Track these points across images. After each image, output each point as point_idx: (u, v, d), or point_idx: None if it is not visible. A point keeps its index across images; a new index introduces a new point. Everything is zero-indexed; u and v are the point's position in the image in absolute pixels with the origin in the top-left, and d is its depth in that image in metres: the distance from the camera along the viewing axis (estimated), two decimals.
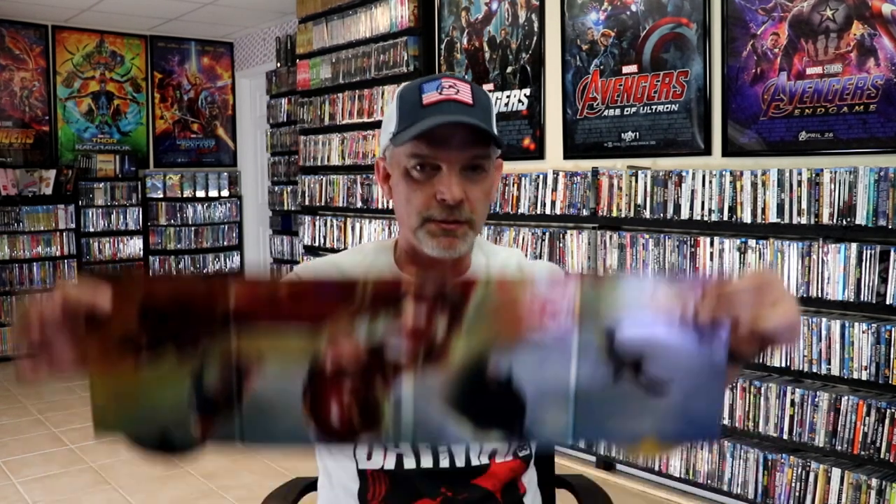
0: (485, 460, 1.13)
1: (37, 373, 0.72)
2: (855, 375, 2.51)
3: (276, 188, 6.12)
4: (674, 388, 0.70)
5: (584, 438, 0.71)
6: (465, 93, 1.06)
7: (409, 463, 1.11)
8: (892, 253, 2.43)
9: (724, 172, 2.84)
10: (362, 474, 1.13)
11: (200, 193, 6.40)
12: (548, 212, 3.46)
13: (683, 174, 2.96)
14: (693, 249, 2.92)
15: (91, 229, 5.91)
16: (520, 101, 3.75)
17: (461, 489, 1.12)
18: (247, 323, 0.68)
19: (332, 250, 4.75)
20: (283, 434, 0.69)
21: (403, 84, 1.35)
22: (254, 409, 0.69)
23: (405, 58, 4.20)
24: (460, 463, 1.11)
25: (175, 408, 0.70)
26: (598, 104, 3.39)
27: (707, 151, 3.02)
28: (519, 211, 3.58)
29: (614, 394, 0.69)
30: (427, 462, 1.11)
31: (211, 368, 0.69)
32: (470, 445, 0.69)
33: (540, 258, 3.40)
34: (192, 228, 6.37)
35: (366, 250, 1.21)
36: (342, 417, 0.68)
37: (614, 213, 3.18)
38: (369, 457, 1.11)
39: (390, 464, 1.11)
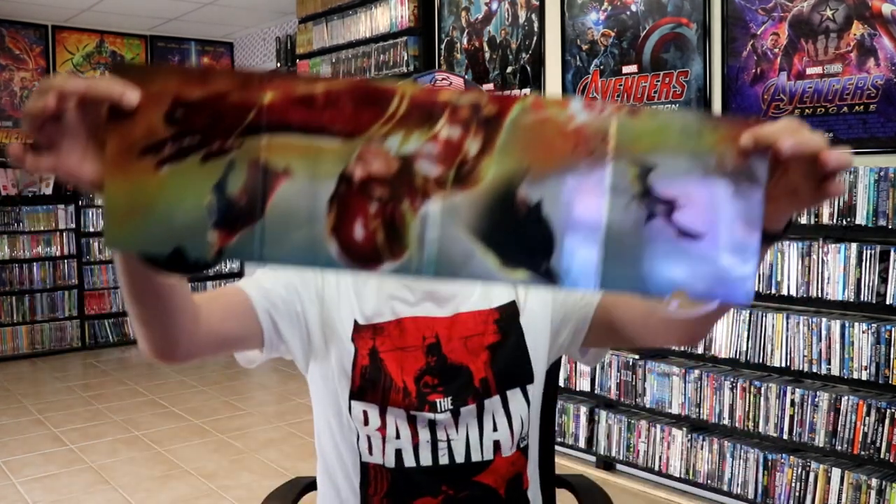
0: (488, 456, 1.13)
1: (37, 164, 0.64)
2: (855, 375, 2.51)
3: None
4: (707, 242, 0.65)
5: (611, 284, 0.65)
6: (457, 85, 1.11)
7: (409, 460, 1.11)
8: (892, 253, 2.43)
9: None
10: (364, 467, 1.13)
11: None
12: None
13: None
14: None
15: (91, 229, 5.91)
16: None
17: (462, 487, 1.12)
18: (279, 126, 0.63)
19: None
20: (304, 250, 0.64)
21: (400, 82, 1.36)
22: (276, 222, 0.63)
23: (405, 58, 4.20)
24: (460, 459, 1.12)
25: (194, 219, 0.63)
26: None
27: None
28: None
29: (645, 236, 0.65)
30: (426, 460, 1.11)
31: (236, 175, 0.63)
32: (494, 280, 0.64)
33: None
34: None
35: None
36: (366, 236, 0.63)
37: None
38: (370, 450, 1.12)
39: (390, 461, 1.11)
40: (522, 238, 0.64)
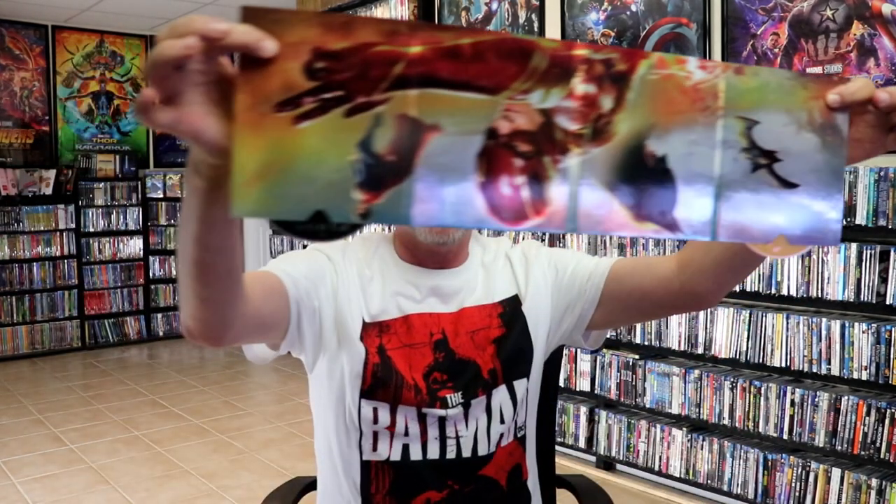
0: (492, 448, 1.14)
1: (159, 117, 0.56)
2: (855, 375, 2.51)
3: None
4: (802, 191, 0.71)
5: (725, 233, 0.69)
6: None
7: (416, 454, 1.11)
8: (891, 253, 2.44)
9: None
10: (365, 466, 1.13)
11: None
12: None
13: None
14: None
15: (91, 229, 5.91)
16: None
17: (468, 481, 1.13)
18: (427, 80, 0.61)
19: None
20: (453, 208, 0.61)
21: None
22: (425, 179, 0.60)
23: None
24: (467, 454, 1.12)
25: (337, 179, 0.59)
26: None
27: None
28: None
29: (752, 186, 0.70)
30: (434, 453, 1.12)
31: (383, 131, 0.60)
32: (627, 233, 0.66)
33: None
34: None
35: (374, 240, 1.22)
36: (513, 192, 0.63)
37: None
38: (375, 447, 1.12)
39: (396, 455, 1.11)
40: (650, 191, 0.67)
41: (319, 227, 0.62)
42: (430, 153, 0.61)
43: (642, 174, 0.67)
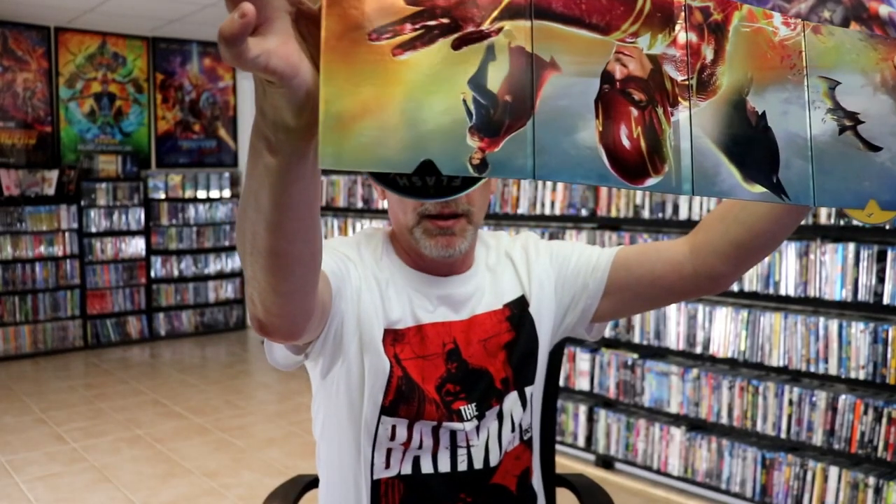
0: (501, 457, 1.11)
1: (244, 47, 0.46)
2: (852, 375, 2.52)
3: None
4: (886, 153, 0.69)
5: (823, 198, 0.65)
6: None
7: (427, 467, 1.07)
8: (889, 253, 2.45)
9: None
10: (375, 485, 1.08)
11: (202, 194, 6.41)
12: (547, 212, 3.47)
13: None
14: None
15: (93, 229, 5.93)
16: None
17: (481, 493, 1.09)
18: (541, 11, 0.53)
19: None
20: (577, 160, 0.53)
21: None
22: (547, 124, 0.52)
23: None
24: (479, 465, 1.08)
25: (448, 122, 0.49)
26: None
27: None
28: (518, 211, 3.59)
29: (841, 148, 0.67)
30: (445, 466, 1.07)
31: (497, 66, 0.51)
32: (738, 196, 0.60)
33: None
34: (194, 228, 6.39)
35: (378, 239, 1.15)
36: (633, 145, 0.56)
37: (613, 214, 3.20)
38: (387, 464, 1.07)
39: (407, 468, 1.07)
40: (756, 150, 0.63)
41: (427, 181, 0.54)
42: (549, 95, 0.53)
43: (747, 131, 0.62)
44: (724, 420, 2.85)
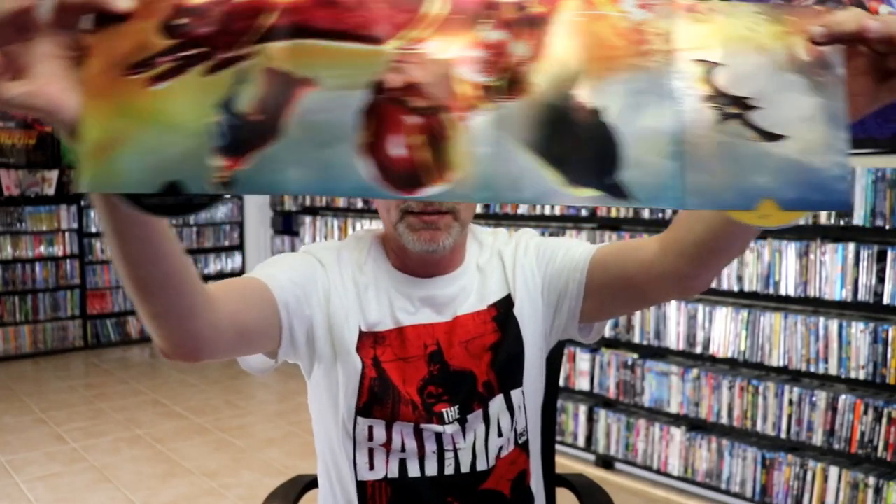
0: (492, 463, 1.09)
1: (8, 91, 0.51)
2: (852, 375, 2.52)
3: None
4: (791, 142, 0.59)
5: (697, 198, 0.57)
6: None
7: (414, 470, 1.07)
8: (889, 253, 2.45)
9: None
10: (361, 486, 1.08)
11: None
12: (547, 212, 3.47)
13: None
14: None
15: (93, 229, 5.92)
16: None
17: (469, 498, 1.08)
18: (302, 30, 0.55)
19: None
20: (329, 173, 0.54)
21: None
22: (297, 141, 0.54)
23: None
24: (465, 469, 1.07)
25: (193, 145, 0.53)
26: None
27: None
28: (518, 211, 3.59)
29: (723, 136, 0.58)
30: (432, 470, 1.07)
31: (248, 88, 0.54)
32: (559, 200, 0.56)
33: None
34: (194, 228, 6.39)
35: (366, 241, 1.15)
36: (406, 154, 0.55)
37: (613, 214, 3.20)
38: (371, 466, 1.07)
39: (393, 472, 1.07)
40: (586, 150, 0.57)
41: (170, 200, 0.56)
42: (303, 110, 0.54)
43: (574, 130, 0.57)
44: (724, 420, 2.85)
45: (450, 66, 0.57)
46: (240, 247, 6.69)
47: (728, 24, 0.60)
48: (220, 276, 6.49)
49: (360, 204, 4.65)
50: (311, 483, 1.38)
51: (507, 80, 0.57)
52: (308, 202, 5.08)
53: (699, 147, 0.58)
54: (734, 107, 0.59)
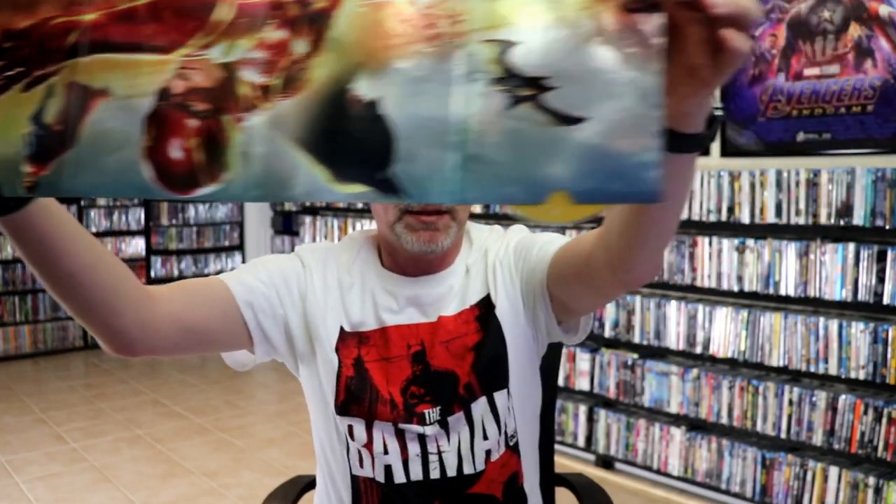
0: (480, 467, 1.07)
1: None
2: (852, 375, 2.52)
3: None
4: (591, 125, 0.53)
5: (474, 192, 0.54)
6: None
7: (399, 476, 1.06)
8: (889, 253, 2.45)
9: (722, 173, 2.85)
10: (355, 480, 1.09)
11: None
12: None
13: None
14: (691, 249, 2.94)
15: (93, 229, 5.92)
16: None
17: (457, 502, 1.08)
18: (100, 45, 0.60)
19: None
20: (117, 176, 0.58)
21: None
22: (90, 147, 0.59)
23: None
24: (452, 473, 1.07)
25: (9, 154, 0.60)
26: None
27: (705, 152, 3.02)
28: (518, 211, 3.59)
29: (510, 127, 0.53)
30: (417, 474, 1.06)
31: (54, 101, 0.60)
32: (325, 197, 0.55)
33: None
34: (194, 228, 6.39)
35: (357, 242, 1.15)
36: (184, 156, 0.58)
37: None
38: (361, 464, 1.08)
39: (380, 476, 1.07)
40: (357, 145, 0.56)
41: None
42: (96, 119, 0.59)
43: (346, 125, 0.56)
44: (724, 420, 2.85)
45: (232, 69, 0.58)
46: (240, 247, 6.69)
47: None
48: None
49: (359, 204, 4.65)
50: (310, 483, 1.38)
51: (283, 79, 0.58)
52: (308, 202, 5.07)
53: (483, 136, 0.54)
54: (527, 89, 0.54)
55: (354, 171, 0.56)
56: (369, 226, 4.53)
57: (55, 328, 5.72)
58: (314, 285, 1.09)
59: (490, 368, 1.07)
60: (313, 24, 0.58)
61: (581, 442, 3.35)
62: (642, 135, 0.52)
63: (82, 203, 5.86)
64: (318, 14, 0.57)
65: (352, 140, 0.56)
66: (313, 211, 5.08)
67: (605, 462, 3.31)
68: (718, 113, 0.63)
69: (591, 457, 3.35)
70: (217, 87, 0.58)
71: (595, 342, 3.30)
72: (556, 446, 2.89)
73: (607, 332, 3.23)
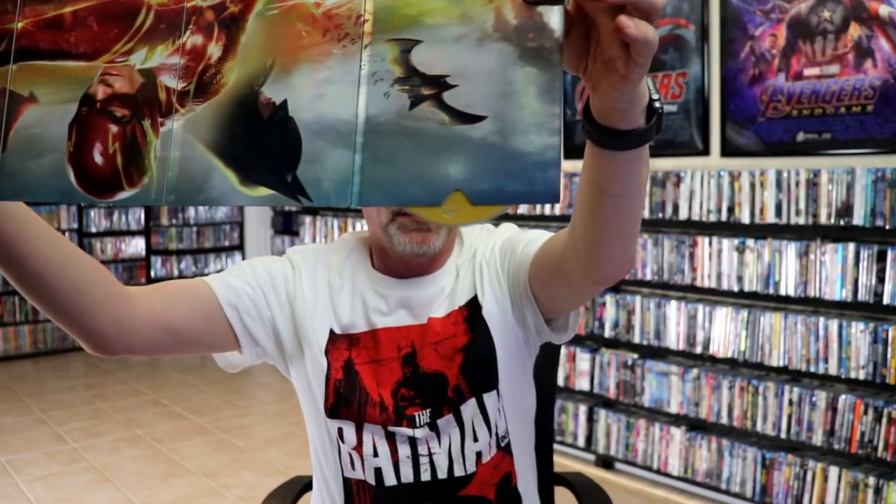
0: (471, 469, 1.07)
1: None
2: (852, 375, 2.52)
3: None
4: (490, 124, 0.52)
5: (371, 194, 0.54)
6: None
7: (390, 479, 1.06)
8: (889, 253, 2.45)
9: (722, 173, 2.85)
10: (347, 483, 1.09)
11: None
12: (547, 212, 3.47)
13: (682, 175, 2.98)
14: (691, 250, 2.94)
15: (93, 230, 5.93)
16: None
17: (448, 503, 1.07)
18: (28, 53, 0.61)
19: None
20: (43, 181, 0.59)
21: None
22: (17, 153, 0.60)
23: None
24: (443, 475, 1.06)
25: None
26: None
27: (705, 152, 3.03)
28: (518, 211, 3.59)
29: (409, 126, 0.53)
30: (408, 476, 1.06)
31: None
32: (234, 202, 0.56)
33: None
34: (194, 228, 6.39)
35: (348, 244, 1.15)
36: (105, 161, 0.59)
37: None
38: (352, 465, 1.08)
39: (371, 479, 1.07)
40: (265, 148, 0.56)
41: None
42: (23, 126, 0.60)
43: (256, 128, 0.57)
44: (724, 420, 2.85)
45: (151, 74, 0.60)
46: (240, 247, 6.69)
47: None
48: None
49: None
50: (310, 483, 1.37)
51: (199, 83, 0.59)
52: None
53: (384, 137, 0.54)
54: (429, 87, 0.54)
55: (261, 173, 0.56)
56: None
57: (55, 328, 5.72)
58: (303, 287, 1.09)
59: (478, 370, 1.06)
60: (227, 29, 0.59)
61: (581, 442, 3.35)
62: (541, 133, 0.52)
63: (82, 203, 5.85)
64: (232, 19, 0.59)
65: (262, 144, 0.56)
66: (313, 211, 5.08)
67: (605, 462, 3.31)
68: (657, 105, 0.63)
69: (591, 457, 3.35)
70: (137, 92, 0.60)
71: (595, 342, 3.30)
72: (556, 446, 2.89)
73: (607, 332, 3.23)
